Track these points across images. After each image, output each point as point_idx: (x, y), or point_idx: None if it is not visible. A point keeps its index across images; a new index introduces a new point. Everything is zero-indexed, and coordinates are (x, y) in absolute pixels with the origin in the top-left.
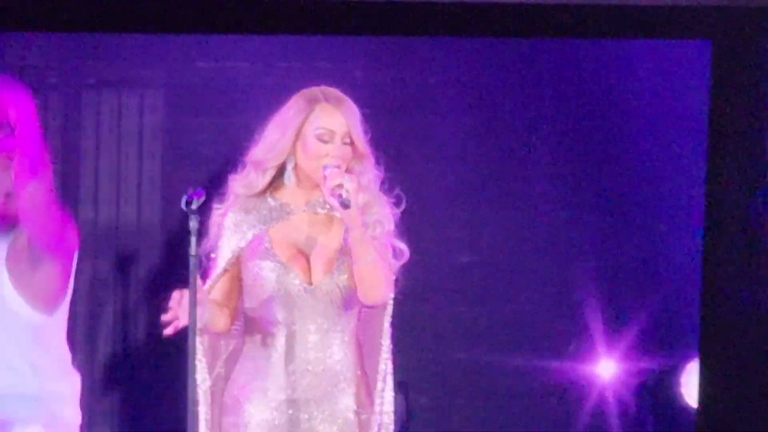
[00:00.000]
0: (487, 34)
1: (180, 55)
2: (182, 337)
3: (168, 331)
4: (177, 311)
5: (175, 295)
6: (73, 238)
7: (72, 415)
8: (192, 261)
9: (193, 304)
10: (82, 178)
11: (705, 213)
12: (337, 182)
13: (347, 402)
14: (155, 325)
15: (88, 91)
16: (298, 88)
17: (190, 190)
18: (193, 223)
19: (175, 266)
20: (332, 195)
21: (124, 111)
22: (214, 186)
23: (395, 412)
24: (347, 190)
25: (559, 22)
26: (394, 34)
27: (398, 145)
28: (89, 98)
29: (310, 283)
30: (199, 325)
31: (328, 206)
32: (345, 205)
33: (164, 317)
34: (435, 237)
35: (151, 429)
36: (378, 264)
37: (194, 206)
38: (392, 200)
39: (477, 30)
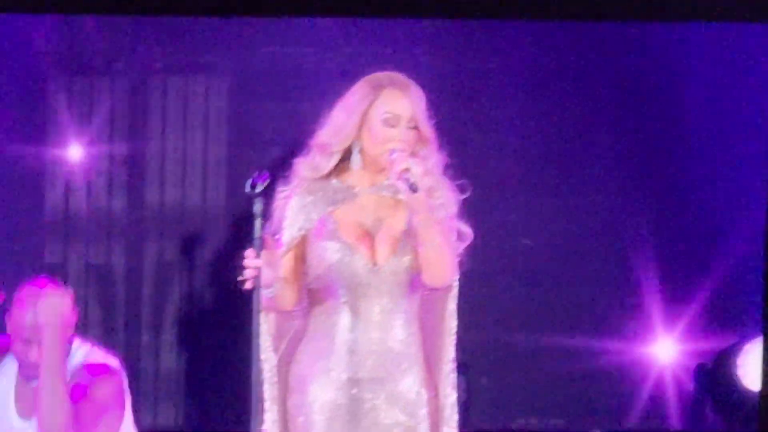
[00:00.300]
0: (549, 18)
1: (245, 40)
2: (247, 316)
3: (249, 285)
4: (256, 268)
5: (249, 252)
6: (119, 388)
7: None
8: (257, 244)
9: (258, 285)
10: (148, 162)
11: None
12: (404, 166)
13: (410, 382)
14: (219, 306)
15: (155, 76)
16: (362, 73)
17: (255, 174)
18: (257, 206)
19: (239, 249)
20: (400, 179)
21: (191, 96)
22: (279, 170)
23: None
24: (414, 174)
25: (621, 6)
26: (458, 18)
27: (460, 129)
28: (156, 83)
29: (376, 264)
30: (269, 295)
31: (393, 189)
32: (413, 189)
33: (247, 273)
34: (496, 220)
35: (216, 408)
36: (443, 247)
37: (259, 189)
38: (456, 185)
39: (540, 14)
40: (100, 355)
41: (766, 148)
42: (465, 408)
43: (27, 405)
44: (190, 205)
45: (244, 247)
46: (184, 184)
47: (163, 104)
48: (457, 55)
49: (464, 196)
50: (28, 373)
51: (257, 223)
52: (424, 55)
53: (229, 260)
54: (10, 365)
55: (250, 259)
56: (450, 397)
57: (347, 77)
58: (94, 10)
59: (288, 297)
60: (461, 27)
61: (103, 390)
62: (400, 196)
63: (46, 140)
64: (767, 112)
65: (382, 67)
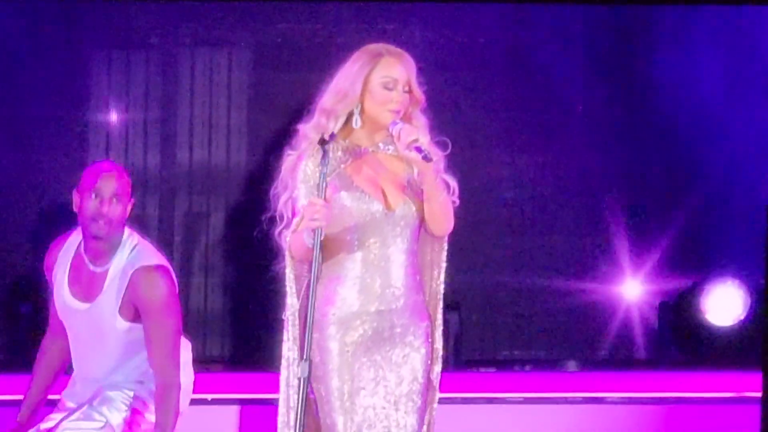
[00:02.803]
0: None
1: (263, 18)
2: (265, 269)
3: (316, 225)
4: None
5: (316, 199)
6: (172, 288)
7: (187, 381)
8: (321, 191)
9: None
10: (179, 126)
11: None
12: (412, 138)
13: (417, 314)
14: (242, 254)
15: (184, 50)
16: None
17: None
18: (324, 160)
19: (257, 202)
20: (409, 149)
21: (215, 67)
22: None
23: (450, 328)
24: (424, 144)
25: None
26: (448, 1)
27: (450, 96)
28: (185, 56)
29: (390, 209)
30: (309, 244)
31: (390, 147)
32: (428, 159)
33: (317, 215)
34: (484, 175)
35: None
36: (447, 201)
37: (327, 145)
38: (437, 142)
39: None
40: (149, 252)
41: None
42: (458, 341)
43: (79, 288)
44: (215, 163)
45: (260, 200)
46: (210, 145)
47: (191, 75)
48: (447, 31)
49: (446, 152)
50: (99, 233)
51: (322, 174)
52: (418, 31)
53: (248, 211)
54: (70, 249)
55: (319, 204)
56: (440, 328)
57: (353, 51)
58: None
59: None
60: (450, 7)
61: (159, 291)
62: (401, 152)
63: (89, 107)
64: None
65: (381, 42)
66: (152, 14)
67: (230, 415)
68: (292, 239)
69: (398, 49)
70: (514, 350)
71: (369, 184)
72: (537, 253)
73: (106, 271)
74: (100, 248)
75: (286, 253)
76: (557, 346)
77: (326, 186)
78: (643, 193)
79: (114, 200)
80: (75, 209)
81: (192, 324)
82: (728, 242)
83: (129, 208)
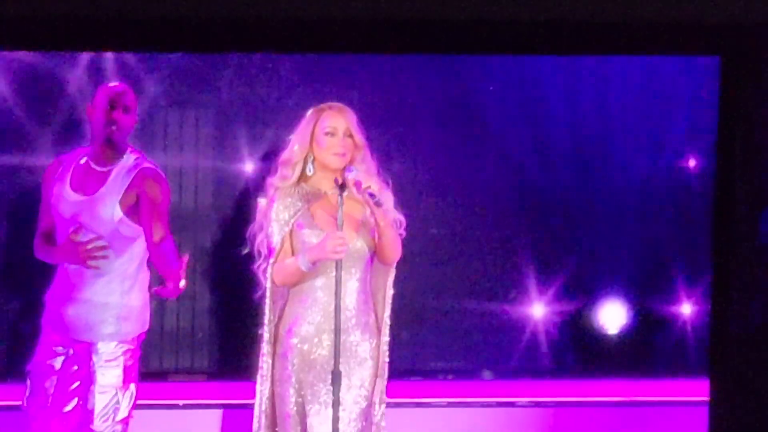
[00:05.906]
0: (488, 51)
1: (225, 83)
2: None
3: (341, 256)
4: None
5: (341, 233)
6: (167, 189)
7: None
8: (340, 224)
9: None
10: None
11: (713, 228)
12: (365, 185)
13: (370, 332)
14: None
15: (159, 110)
16: (309, 106)
17: (346, 171)
18: (340, 199)
19: (223, 238)
20: (363, 194)
21: (184, 124)
22: (251, 174)
23: None
24: (375, 190)
25: (566, 38)
26: (386, 53)
27: (383, 148)
28: (160, 114)
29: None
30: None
31: (350, 190)
32: (378, 204)
33: (342, 248)
34: (413, 215)
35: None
36: (396, 236)
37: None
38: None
39: (472, 47)
40: (151, 162)
41: (711, 183)
42: (390, 354)
43: (81, 186)
44: (201, 202)
45: (236, 240)
46: (189, 189)
47: (164, 130)
48: (380, 89)
49: (389, 188)
50: (112, 136)
51: (340, 213)
52: (356, 91)
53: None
54: (73, 160)
55: (342, 239)
56: (386, 344)
57: (298, 109)
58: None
59: None
60: (385, 65)
61: (158, 187)
62: (355, 196)
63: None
64: (713, 145)
65: (325, 101)
66: (131, 78)
67: (214, 418)
68: (276, 269)
69: (339, 104)
70: (439, 362)
71: (328, 223)
72: (457, 280)
73: (111, 170)
74: (107, 153)
75: (267, 282)
76: (475, 358)
77: (343, 224)
78: (545, 234)
79: (126, 110)
80: (89, 118)
81: (181, 340)
82: (614, 270)
83: (134, 123)
